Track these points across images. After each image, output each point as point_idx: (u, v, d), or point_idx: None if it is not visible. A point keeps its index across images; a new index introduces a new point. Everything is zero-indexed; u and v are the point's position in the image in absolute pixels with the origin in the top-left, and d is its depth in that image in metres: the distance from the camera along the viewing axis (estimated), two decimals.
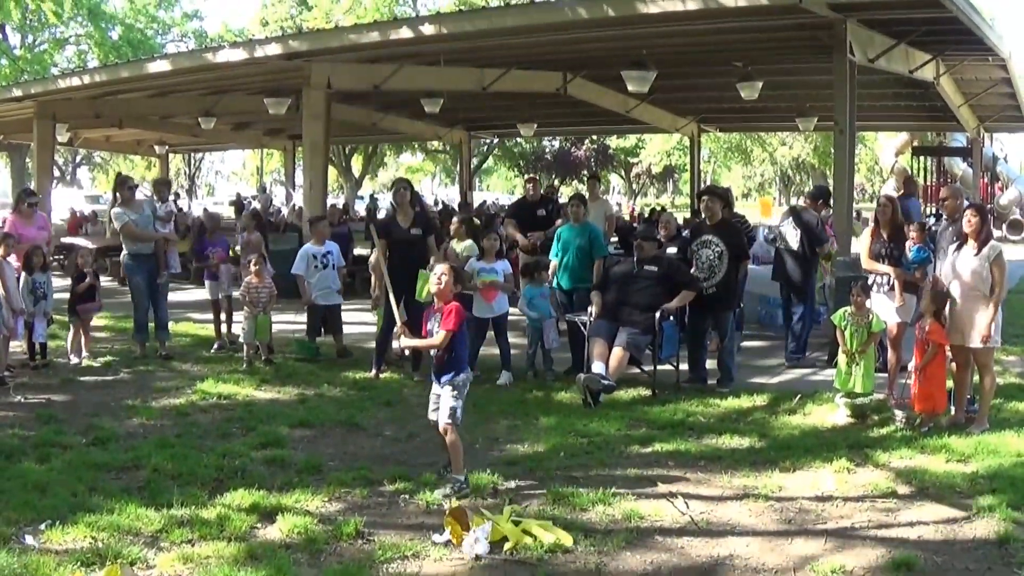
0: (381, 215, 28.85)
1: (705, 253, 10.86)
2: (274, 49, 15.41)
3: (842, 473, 7.59)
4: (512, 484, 7.31)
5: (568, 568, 5.78)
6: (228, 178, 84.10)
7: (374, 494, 7.08)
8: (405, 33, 13.68)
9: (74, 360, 11.76)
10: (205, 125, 22.83)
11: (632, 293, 10.46)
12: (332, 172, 40.54)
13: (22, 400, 9.99)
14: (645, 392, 10.40)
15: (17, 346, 11.66)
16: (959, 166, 30.28)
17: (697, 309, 10.86)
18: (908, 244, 10.39)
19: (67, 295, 12.15)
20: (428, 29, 13.54)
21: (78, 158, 61.55)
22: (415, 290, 10.48)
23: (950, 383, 9.36)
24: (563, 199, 15.95)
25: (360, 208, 42.09)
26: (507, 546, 5.99)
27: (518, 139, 43.92)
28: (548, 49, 15.94)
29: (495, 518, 6.26)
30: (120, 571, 5.17)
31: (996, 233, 10.34)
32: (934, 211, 23.54)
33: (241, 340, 11.93)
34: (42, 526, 6.18)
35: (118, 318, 14.57)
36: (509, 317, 11.39)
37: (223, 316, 13.07)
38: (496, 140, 43.42)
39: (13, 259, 11.16)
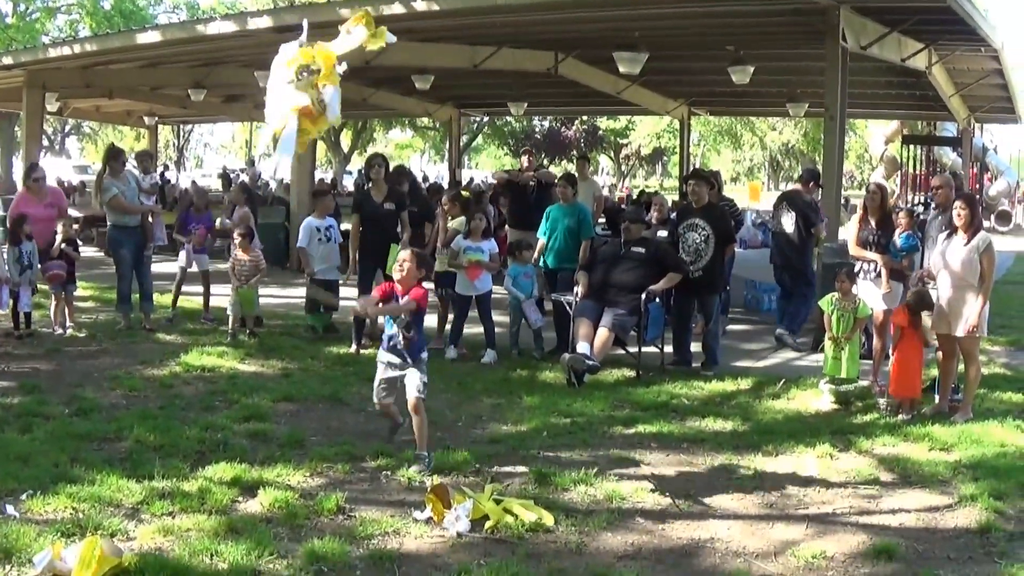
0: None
1: (692, 236, 10.86)
2: (266, 22, 15.31)
3: (825, 459, 7.63)
4: (494, 463, 7.31)
5: (548, 547, 5.79)
6: (217, 151, 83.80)
7: (356, 470, 7.08)
8: (397, 9, 13.59)
9: (58, 331, 11.71)
10: (195, 97, 22.70)
11: (618, 274, 10.44)
12: (321, 147, 40.35)
13: (5, 369, 9.94)
14: (629, 373, 10.41)
15: (2, 315, 11.61)
16: (948, 156, 30.27)
17: (683, 292, 10.87)
18: (896, 231, 10.40)
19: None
20: (420, 5, 13.46)
21: (67, 128, 61.13)
22: (387, 264, 10.51)
23: (934, 372, 9.41)
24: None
25: (348, 183, 42.01)
26: (488, 524, 5.99)
27: (508, 118, 43.84)
28: (540, 28, 15.90)
29: (477, 496, 6.27)
30: (100, 542, 5.14)
31: (984, 224, 10.33)
32: (923, 199, 23.60)
33: (228, 313, 11.90)
34: (23, 496, 6.16)
35: (103, 289, 14.51)
36: (494, 295, 11.38)
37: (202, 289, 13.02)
38: (486, 118, 43.29)
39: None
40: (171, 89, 25.28)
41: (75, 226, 12.66)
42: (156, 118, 32.39)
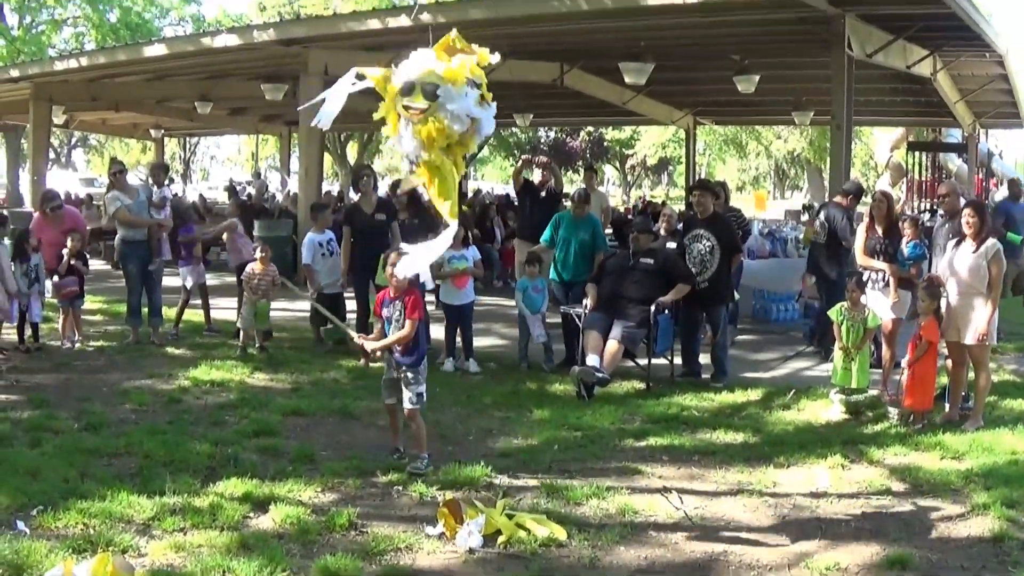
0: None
1: (697, 247, 10.82)
2: (271, 35, 15.41)
3: (836, 469, 7.59)
4: (505, 477, 7.30)
5: (562, 562, 5.77)
6: (223, 163, 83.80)
7: (367, 485, 7.07)
8: (403, 21, 13.64)
9: (66, 345, 11.71)
10: (201, 110, 22.80)
11: (627, 286, 10.42)
12: (327, 159, 40.37)
13: (14, 383, 9.95)
14: (639, 385, 10.38)
15: (10, 327, 11.61)
16: (954, 162, 30.20)
17: (690, 303, 10.83)
18: (904, 240, 10.37)
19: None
20: (426, 17, 13.50)
21: (73, 140, 61.25)
22: (378, 274, 10.58)
23: (944, 380, 9.37)
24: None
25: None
26: (501, 539, 5.96)
27: (514, 129, 43.85)
28: (546, 39, 15.93)
29: (489, 511, 6.24)
30: (111, 559, 5.13)
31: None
32: (929, 207, 23.55)
33: (238, 326, 11.90)
34: (33, 512, 6.16)
35: (111, 301, 14.52)
36: (501, 308, 11.36)
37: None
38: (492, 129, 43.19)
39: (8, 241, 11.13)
40: (177, 102, 25.40)
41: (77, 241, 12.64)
42: (162, 131, 32.48)
